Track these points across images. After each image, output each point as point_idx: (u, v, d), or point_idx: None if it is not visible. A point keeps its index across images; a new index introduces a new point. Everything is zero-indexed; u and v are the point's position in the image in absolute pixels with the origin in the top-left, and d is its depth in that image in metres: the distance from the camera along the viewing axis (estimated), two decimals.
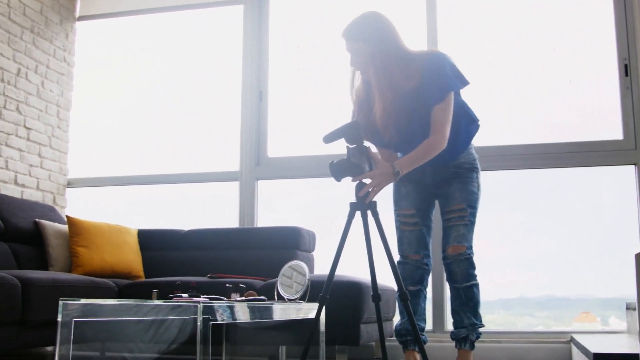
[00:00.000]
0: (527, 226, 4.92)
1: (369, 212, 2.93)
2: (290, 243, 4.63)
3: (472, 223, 3.40)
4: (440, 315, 4.71)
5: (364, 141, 2.97)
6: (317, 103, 5.34)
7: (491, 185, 4.87)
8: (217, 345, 3.50)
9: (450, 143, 3.26)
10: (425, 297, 3.53)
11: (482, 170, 3.56)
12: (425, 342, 3.49)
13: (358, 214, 2.93)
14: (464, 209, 3.37)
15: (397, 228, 3.50)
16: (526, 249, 4.90)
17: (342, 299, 3.70)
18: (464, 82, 3.27)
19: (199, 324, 2.10)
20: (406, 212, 3.48)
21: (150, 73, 5.78)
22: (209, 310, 2.18)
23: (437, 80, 3.17)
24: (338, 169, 2.94)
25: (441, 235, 3.46)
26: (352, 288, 3.73)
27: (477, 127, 3.45)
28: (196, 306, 2.13)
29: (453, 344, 3.52)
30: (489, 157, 4.70)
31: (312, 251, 4.84)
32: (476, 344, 3.48)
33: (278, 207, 5.41)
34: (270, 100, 5.38)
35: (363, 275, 3.63)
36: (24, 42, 5.03)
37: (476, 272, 3.40)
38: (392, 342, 4.58)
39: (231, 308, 2.38)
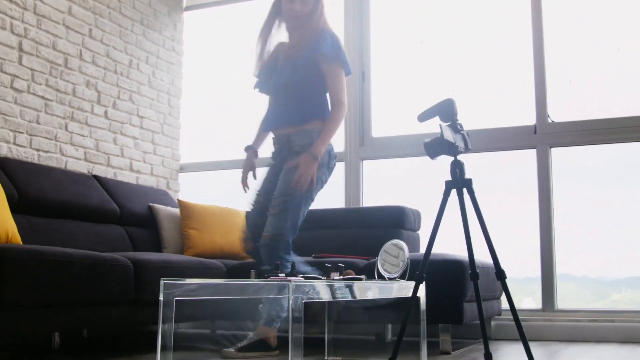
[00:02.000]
0: None
1: (464, 190, 2.90)
2: (395, 222, 4.63)
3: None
4: (550, 293, 4.59)
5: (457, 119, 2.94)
6: (420, 81, 5.30)
7: (621, 158, 4.70)
8: (320, 323, 3.56)
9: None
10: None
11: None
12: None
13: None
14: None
15: None
16: None
17: (445, 277, 3.69)
18: None
19: (290, 302, 2.15)
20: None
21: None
22: (301, 289, 2.22)
23: None
24: (432, 148, 2.92)
25: None
26: (455, 266, 3.71)
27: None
28: (288, 285, 2.18)
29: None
30: (621, 128, 4.58)
31: (418, 230, 4.83)
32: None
33: (384, 186, 5.42)
34: (373, 80, 5.38)
35: (466, 254, 3.59)
36: (134, 34, 5.25)
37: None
38: (499, 320, 4.53)
39: (324, 287, 2.42)
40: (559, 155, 4.78)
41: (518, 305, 4.74)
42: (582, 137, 4.68)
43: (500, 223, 4.92)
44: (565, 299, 4.73)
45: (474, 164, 4.84)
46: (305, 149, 3.45)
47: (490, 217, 4.74)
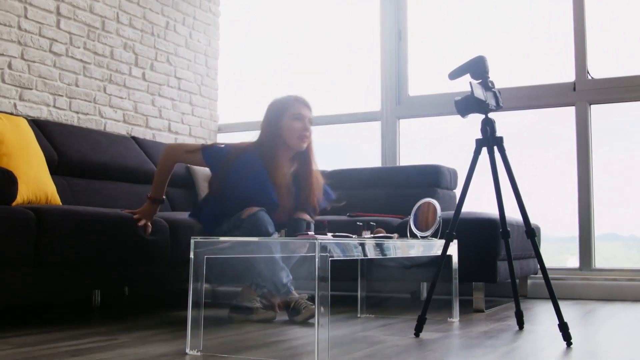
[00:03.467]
0: None
1: (495, 148, 2.88)
2: (431, 181, 4.63)
3: None
4: (587, 252, 4.56)
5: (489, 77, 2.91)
6: (457, 39, 5.24)
7: None
8: (353, 281, 3.59)
9: None
10: None
11: None
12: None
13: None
14: None
15: None
16: None
17: (478, 235, 3.69)
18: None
19: (316, 260, 2.18)
20: None
21: (291, 17, 5.88)
22: (327, 248, 2.25)
23: None
24: (463, 106, 2.90)
25: None
26: (488, 224, 3.70)
27: None
28: (314, 243, 2.20)
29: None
30: None
31: (454, 189, 4.82)
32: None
33: (421, 145, 5.40)
34: (410, 39, 5.33)
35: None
36: None
37: None
38: (535, 279, 4.52)
39: (352, 245, 2.44)
40: (599, 113, 4.70)
41: (563, 264, 4.77)
42: (622, 94, 4.59)
43: (542, 182, 4.88)
44: (611, 258, 4.71)
45: (511, 122, 4.81)
46: None
47: (530, 176, 4.73)
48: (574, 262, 4.68)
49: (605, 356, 2.44)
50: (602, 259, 4.66)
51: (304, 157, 3.45)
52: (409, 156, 5.26)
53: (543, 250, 4.76)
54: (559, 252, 5.01)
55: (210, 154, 3.31)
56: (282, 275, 3.23)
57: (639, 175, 4.71)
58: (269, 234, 3.11)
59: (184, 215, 3.77)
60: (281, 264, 3.24)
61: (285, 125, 3.35)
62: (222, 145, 3.38)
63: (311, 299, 3.04)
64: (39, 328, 2.97)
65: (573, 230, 4.67)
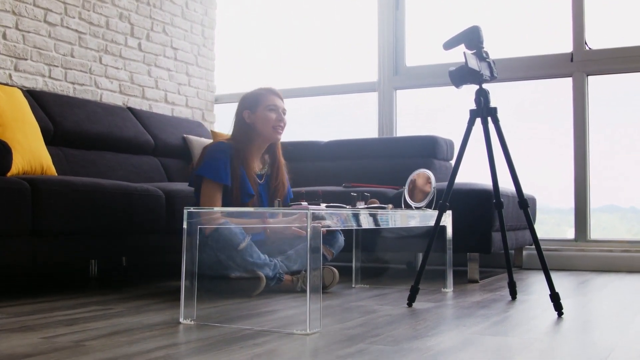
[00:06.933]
0: None
1: (489, 119, 2.88)
2: (428, 152, 4.63)
3: None
4: (583, 223, 4.58)
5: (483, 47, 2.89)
6: (455, 8, 5.20)
7: None
8: (348, 252, 3.61)
9: None
10: None
11: None
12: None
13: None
14: None
15: None
16: None
17: (473, 206, 3.70)
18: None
19: (308, 230, 2.18)
20: None
21: None
22: (319, 218, 2.26)
23: None
24: (457, 76, 2.89)
25: None
26: (483, 195, 3.71)
27: None
28: (305, 213, 2.21)
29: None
30: None
31: (451, 160, 4.82)
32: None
33: (418, 116, 5.39)
34: (407, 8, 5.29)
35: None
36: None
37: None
38: (530, 250, 4.54)
39: (342, 215, 2.45)
40: (596, 84, 4.69)
41: (564, 235, 4.79)
42: (620, 65, 4.58)
43: (541, 154, 4.89)
44: (611, 229, 4.72)
45: (508, 93, 4.80)
46: None
47: (528, 148, 4.73)
48: (573, 233, 4.70)
49: (595, 325, 2.45)
50: (602, 230, 4.68)
51: (274, 154, 3.47)
52: (406, 127, 5.26)
53: (543, 221, 4.79)
54: (559, 223, 5.02)
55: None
56: (267, 271, 3.15)
57: (638, 147, 4.70)
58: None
59: (179, 185, 3.78)
60: (262, 259, 3.09)
61: (259, 116, 3.34)
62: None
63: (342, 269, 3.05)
64: (35, 298, 2.99)
65: (573, 201, 4.68)
